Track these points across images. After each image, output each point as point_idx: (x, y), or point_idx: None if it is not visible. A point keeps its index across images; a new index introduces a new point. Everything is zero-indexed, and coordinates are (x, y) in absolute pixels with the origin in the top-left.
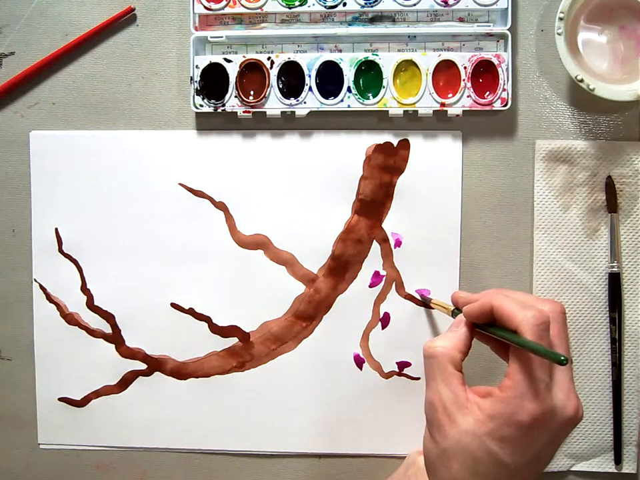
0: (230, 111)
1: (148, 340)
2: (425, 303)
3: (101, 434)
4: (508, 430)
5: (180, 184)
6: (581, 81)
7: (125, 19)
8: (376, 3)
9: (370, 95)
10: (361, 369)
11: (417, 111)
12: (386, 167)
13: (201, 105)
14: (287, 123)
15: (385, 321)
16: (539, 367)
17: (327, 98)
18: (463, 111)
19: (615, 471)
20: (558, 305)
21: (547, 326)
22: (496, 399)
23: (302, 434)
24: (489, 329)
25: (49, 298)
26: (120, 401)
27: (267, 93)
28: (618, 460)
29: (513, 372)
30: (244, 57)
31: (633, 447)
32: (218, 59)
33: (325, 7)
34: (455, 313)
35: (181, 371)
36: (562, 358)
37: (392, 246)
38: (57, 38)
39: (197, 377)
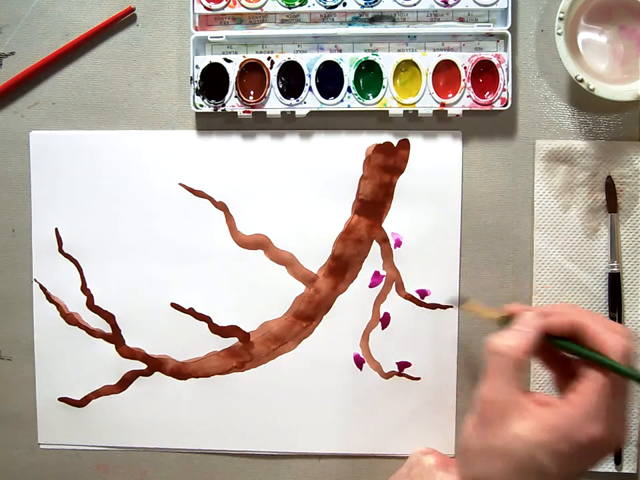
0: (230, 110)
1: (148, 340)
2: (457, 304)
3: (101, 434)
4: (563, 446)
5: (180, 184)
6: (581, 81)
7: (125, 19)
8: (376, 3)
9: (370, 94)
10: (360, 369)
11: (417, 111)
12: (386, 167)
13: (201, 105)
14: (286, 123)
15: (385, 321)
16: (611, 392)
17: (327, 98)
18: (463, 110)
19: (615, 470)
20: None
21: (633, 353)
22: (558, 412)
23: (302, 434)
24: (569, 344)
25: (49, 298)
26: (120, 400)
27: (267, 93)
28: (618, 460)
29: (585, 390)
30: (244, 57)
31: (633, 447)
32: (218, 58)
33: (325, 6)
34: (502, 321)
35: (181, 371)
36: None
37: (392, 246)
38: (57, 38)
39: (197, 377)
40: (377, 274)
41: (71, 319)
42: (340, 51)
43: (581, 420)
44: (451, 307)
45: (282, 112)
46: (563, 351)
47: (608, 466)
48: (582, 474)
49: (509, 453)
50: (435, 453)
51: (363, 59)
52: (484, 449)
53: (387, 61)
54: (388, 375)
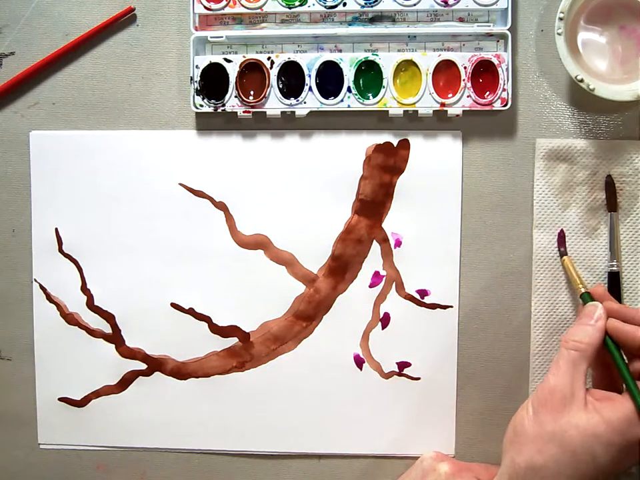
0: (230, 111)
1: (148, 340)
2: (560, 251)
3: (101, 434)
4: (619, 439)
5: (180, 184)
6: (581, 81)
7: (125, 19)
8: (376, 3)
9: (370, 94)
10: (360, 369)
11: (417, 111)
12: (386, 167)
13: (201, 105)
14: (286, 123)
15: (385, 321)
16: None
17: (327, 98)
18: (463, 110)
19: None
20: None
21: None
22: (616, 408)
23: (302, 434)
24: (623, 364)
25: (49, 298)
26: (120, 400)
27: (267, 93)
28: None
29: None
30: (244, 56)
31: None
32: (218, 58)
33: (325, 6)
34: (584, 297)
35: (181, 371)
36: None
37: (392, 246)
38: (57, 38)
39: (197, 377)
40: (377, 274)
41: (70, 319)
42: (340, 51)
43: (635, 418)
44: (451, 306)
45: (282, 112)
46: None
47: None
48: (629, 469)
49: (566, 440)
50: (448, 460)
51: (363, 59)
52: (541, 434)
53: (387, 61)
54: (388, 375)
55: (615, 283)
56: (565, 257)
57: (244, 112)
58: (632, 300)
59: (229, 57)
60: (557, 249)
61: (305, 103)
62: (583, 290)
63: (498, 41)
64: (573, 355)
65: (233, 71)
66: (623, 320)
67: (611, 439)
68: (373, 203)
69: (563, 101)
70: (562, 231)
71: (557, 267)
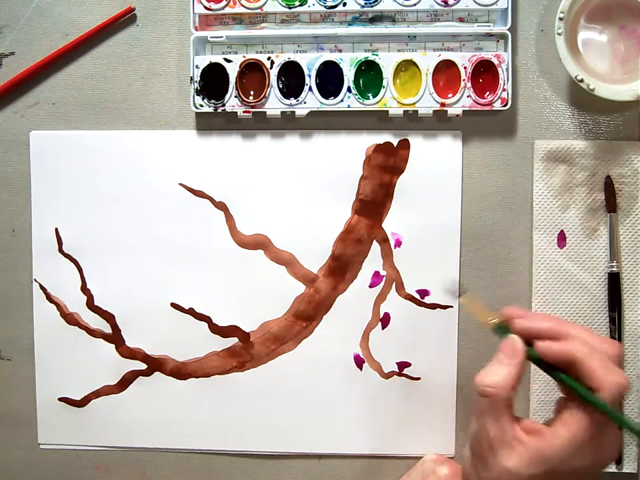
0: (230, 111)
1: (148, 340)
2: (455, 293)
3: (101, 434)
4: (549, 477)
5: (180, 184)
6: (581, 81)
7: (125, 19)
8: (376, 3)
9: (370, 94)
10: (360, 369)
11: (417, 111)
12: (386, 167)
13: (201, 105)
14: (286, 123)
15: (385, 321)
16: (598, 425)
17: (327, 98)
18: (463, 110)
19: (616, 470)
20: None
21: (624, 394)
22: (545, 443)
23: (302, 434)
24: (557, 374)
25: (49, 298)
26: (120, 400)
27: (267, 93)
28: (618, 460)
29: (573, 424)
30: (244, 57)
31: (634, 447)
32: (218, 59)
33: (325, 6)
34: (499, 330)
35: (181, 371)
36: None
37: (392, 246)
38: (57, 38)
39: (197, 377)
40: (376, 274)
41: (70, 319)
42: (340, 51)
43: (566, 454)
44: (451, 307)
45: (282, 112)
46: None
47: (608, 466)
48: None
49: None
50: (448, 462)
51: (363, 59)
52: None
53: (387, 61)
54: (388, 375)
55: (614, 284)
56: (461, 297)
57: (244, 112)
58: (632, 300)
59: (229, 56)
60: (557, 247)
61: (305, 103)
62: (494, 321)
63: (498, 41)
64: (485, 402)
65: (232, 71)
66: (536, 331)
67: (543, 478)
68: (372, 203)
69: (563, 101)
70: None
71: (557, 267)
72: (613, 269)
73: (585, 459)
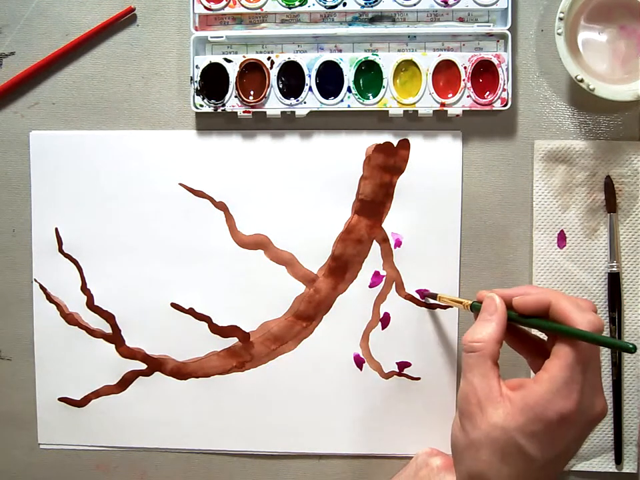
0: (230, 111)
1: (148, 340)
2: (427, 302)
3: (101, 434)
4: (537, 426)
5: (180, 184)
6: (581, 81)
7: (125, 19)
8: (376, 3)
9: (370, 94)
10: (360, 369)
11: (417, 111)
12: (386, 166)
13: (201, 105)
14: (287, 123)
15: (385, 321)
16: (577, 365)
17: (327, 98)
18: (463, 110)
19: (616, 470)
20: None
21: (601, 333)
22: (529, 392)
23: (302, 434)
24: (536, 320)
25: (49, 298)
26: (120, 400)
27: (267, 93)
28: (618, 460)
29: (553, 367)
30: (244, 57)
31: (634, 447)
32: (218, 59)
33: (325, 6)
34: (474, 307)
35: (181, 371)
36: (630, 346)
37: (392, 246)
38: (57, 38)
39: (197, 377)
40: (376, 274)
41: (70, 319)
42: (340, 51)
43: (549, 396)
44: (451, 307)
45: (282, 112)
46: (531, 328)
47: (608, 466)
48: (568, 454)
49: (491, 442)
50: (441, 455)
51: (363, 59)
52: (469, 443)
53: (387, 61)
54: (388, 375)
55: (614, 284)
56: (438, 295)
57: (244, 112)
58: (632, 300)
59: (229, 56)
60: (557, 247)
61: (305, 103)
62: (469, 302)
63: (498, 41)
64: (472, 357)
65: (232, 71)
66: (511, 292)
67: (531, 427)
68: (373, 203)
69: (563, 101)
70: (420, 290)
71: (557, 267)
72: (613, 269)
73: (570, 401)
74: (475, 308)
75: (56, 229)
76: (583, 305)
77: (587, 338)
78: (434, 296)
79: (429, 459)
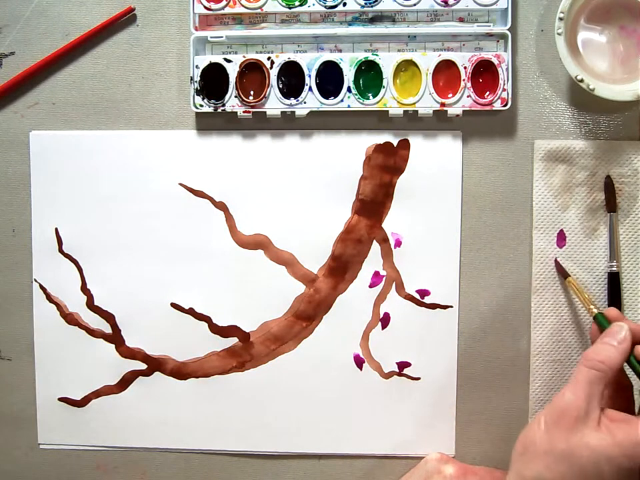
0: (230, 111)
1: (148, 340)
2: (559, 276)
3: (101, 434)
4: (628, 462)
5: (180, 184)
6: (581, 81)
7: (125, 19)
8: (376, 2)
9: (370, 94)
10: (360, 369)
11: (417, 111)
12: (386, 166)
13: (201, 105)
14: (287, 123)
15: (385, 321)
16: None
17: (327, 98)
18: (463, 110)
19: None
20: None
21: None
22: (628, 431)
23: (302, 434)
24: None
25: (49, 298)
26: (120, 400)
27: (267, 93)
28: None
29: None
30: (244, 56)
31: None
32: (218, 59)
33: (325, 6)
34: (598, 318)
35: (181, 371)
36: None
37: (392, 246)
38: (57, 38)
39: (197, 377)
40: (376, 274)
41: (70, 319)
42: (340, 51)
43: None
44: (451, 306)
45: (282, 112)
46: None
47: None
48: None
49: (576, 459)
50: (452, 461)
51: (363, 59)
52: (551, 451)
53: (387, 61)
54: (388, 375)
55: (614, 284)
56: (569, 278)
57: (244, 112)
58: (632, 300)
59: (229, 56)
60: (556, 247)
61: (305, 103)
62: (595, 311)
63: (498, 41)
64: (593, 374)
65: (232, 71)
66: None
67: (621, 462)
68: (373, 203)
69: (562, 100)
70: (556, 260)
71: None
72: (613, 269)
73: None
74: (599, 320)
75: (56, 229)
76: None
77: None
78: (565, 275)
79: (441, 466)
